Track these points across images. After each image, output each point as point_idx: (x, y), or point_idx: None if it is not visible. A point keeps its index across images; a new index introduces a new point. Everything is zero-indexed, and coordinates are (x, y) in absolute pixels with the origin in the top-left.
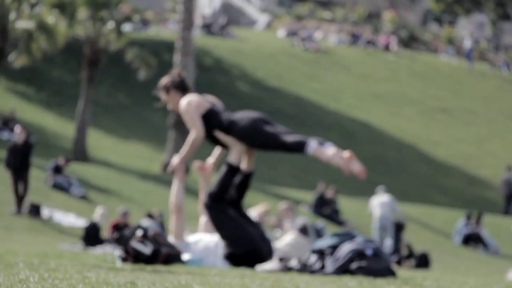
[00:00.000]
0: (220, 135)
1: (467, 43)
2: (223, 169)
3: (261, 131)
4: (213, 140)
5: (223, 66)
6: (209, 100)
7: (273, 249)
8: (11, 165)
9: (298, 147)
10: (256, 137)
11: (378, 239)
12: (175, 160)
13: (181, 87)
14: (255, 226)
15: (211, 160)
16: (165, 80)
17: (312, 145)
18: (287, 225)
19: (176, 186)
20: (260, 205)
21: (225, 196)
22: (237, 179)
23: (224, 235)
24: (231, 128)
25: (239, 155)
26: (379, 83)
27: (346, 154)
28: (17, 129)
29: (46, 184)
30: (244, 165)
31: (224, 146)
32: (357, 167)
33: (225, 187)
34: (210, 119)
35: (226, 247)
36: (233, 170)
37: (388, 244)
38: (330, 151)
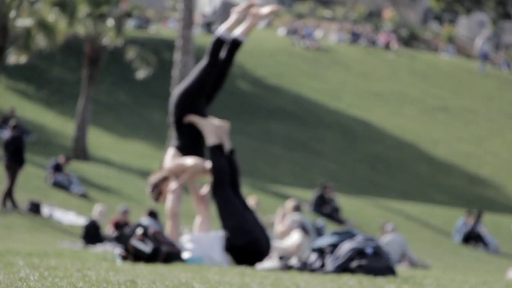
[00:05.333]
0: (187, 119)
1: (479, 45)
2: (210, 156)
3: (189, 85)
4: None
5: None
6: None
7: (271, 241)
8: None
9: (218, 45)
10: (196, 88)
11: None
12: (173, 185)
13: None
14: (254, 215)
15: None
16: (154, 182)
17: (221, 28)
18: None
19: (173, 192)
20: (249, 198)
21: (225, 179)
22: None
23: (227, 225)
24: (181, 112)
25: (213, 134)
26: (379, 82)
27: (250, 1)
28: (12, 123)
29: (46, 182)
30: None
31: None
32: (266, 9)
33: (219, 170)
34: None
35: (228, 238)
36: (216, 149)
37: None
38: (234, 15)
